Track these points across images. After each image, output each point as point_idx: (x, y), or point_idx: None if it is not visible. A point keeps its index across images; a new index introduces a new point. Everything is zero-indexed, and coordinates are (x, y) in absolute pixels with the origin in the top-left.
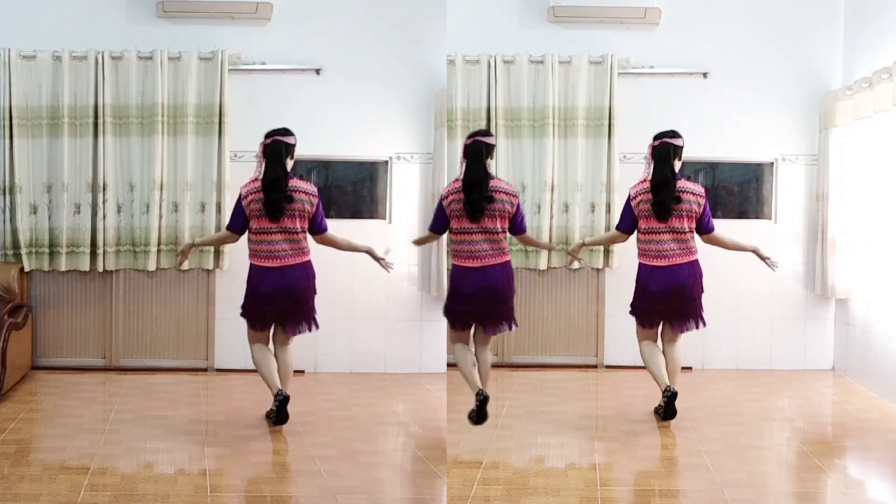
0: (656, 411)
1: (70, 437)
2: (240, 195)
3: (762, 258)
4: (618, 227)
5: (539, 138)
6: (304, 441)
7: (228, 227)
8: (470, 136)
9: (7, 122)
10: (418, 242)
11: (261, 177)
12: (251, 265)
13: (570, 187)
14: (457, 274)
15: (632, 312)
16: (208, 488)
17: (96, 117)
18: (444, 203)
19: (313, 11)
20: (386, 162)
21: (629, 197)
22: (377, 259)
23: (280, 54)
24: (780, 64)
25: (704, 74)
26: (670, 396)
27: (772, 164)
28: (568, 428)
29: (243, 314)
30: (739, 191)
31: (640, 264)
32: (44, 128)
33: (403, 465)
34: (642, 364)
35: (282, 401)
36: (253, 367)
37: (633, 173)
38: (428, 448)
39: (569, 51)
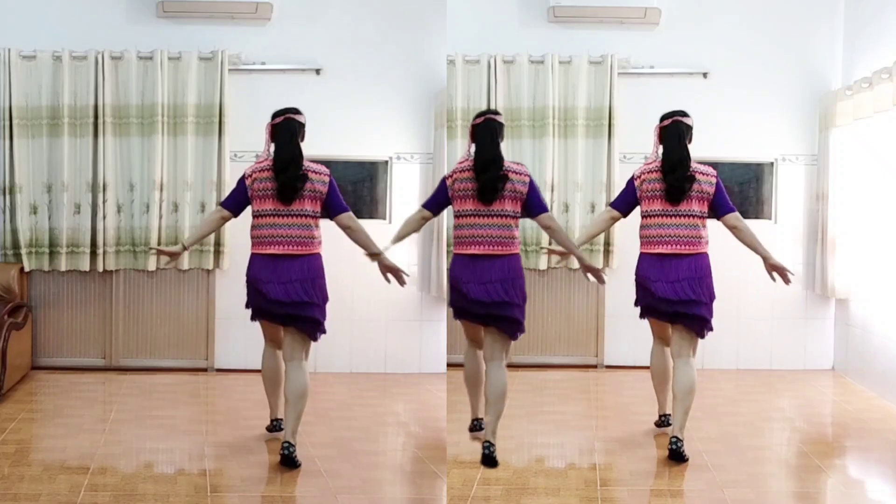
0: (657, 424)
1: (70, 437)
2: (243, 174)
3: (771, 269)
4: (611, 204)
5: (539, 138)
6: (304, 441)
7: (221, 204)
8: (480, 115)
9: (7, 122)
10: (397, 240)
11: (271, 156)
12: (252, 255)
13: (570, 187)
14: (456, 264)
15: (636, 304)
16: (208, 488)
17: (96, 117)
18: (448, 182)
19: (313, 11)
20: (386, 162)
21: (632, 177)
22: (389, 271)
23: (280, 54)
24: (780, 64)
25: (704, 74)
26: (674, 443)
27: (772, 164)
28: (568, 428)
29: (251, 314)
30: (739, 191)
31: (640, 254)
32: (44, 128)
33: (403, 465)
34: (642, 364)
35: (283, 453)
36: (253, 366)
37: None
38: (428, 448)
39: (569, 51)
